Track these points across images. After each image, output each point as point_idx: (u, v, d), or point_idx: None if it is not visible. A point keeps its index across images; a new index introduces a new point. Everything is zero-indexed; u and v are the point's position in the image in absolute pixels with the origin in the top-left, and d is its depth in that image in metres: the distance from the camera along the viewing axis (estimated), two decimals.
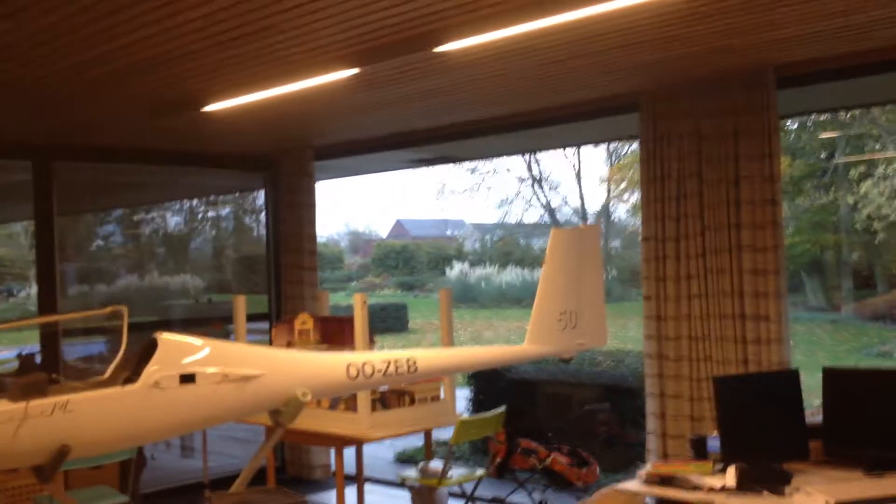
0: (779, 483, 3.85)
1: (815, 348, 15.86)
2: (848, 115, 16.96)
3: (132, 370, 3.79)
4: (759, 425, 4.30)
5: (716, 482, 3.96)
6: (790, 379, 4.48)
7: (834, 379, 4.38)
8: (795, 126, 18.12)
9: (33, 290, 7.27)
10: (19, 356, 7.12)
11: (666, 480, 4.08)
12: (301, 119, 6.54)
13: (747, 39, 4.57)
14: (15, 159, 7.10)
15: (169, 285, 9.04)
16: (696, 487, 3.95)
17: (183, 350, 3.89)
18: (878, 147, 17.89)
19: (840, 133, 18.07)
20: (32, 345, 7.11)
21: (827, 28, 4.39)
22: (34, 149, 7.00)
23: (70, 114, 5.97)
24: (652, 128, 5.64)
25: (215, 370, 3.87)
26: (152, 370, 3.72)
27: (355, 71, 4.74)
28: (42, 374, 3.72)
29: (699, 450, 4.40)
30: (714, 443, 4.35)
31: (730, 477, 3.95)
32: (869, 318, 18.20)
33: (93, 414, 3.59)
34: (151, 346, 3.81)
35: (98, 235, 9.17)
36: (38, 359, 6.96)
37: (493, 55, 4.64)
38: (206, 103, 5.47)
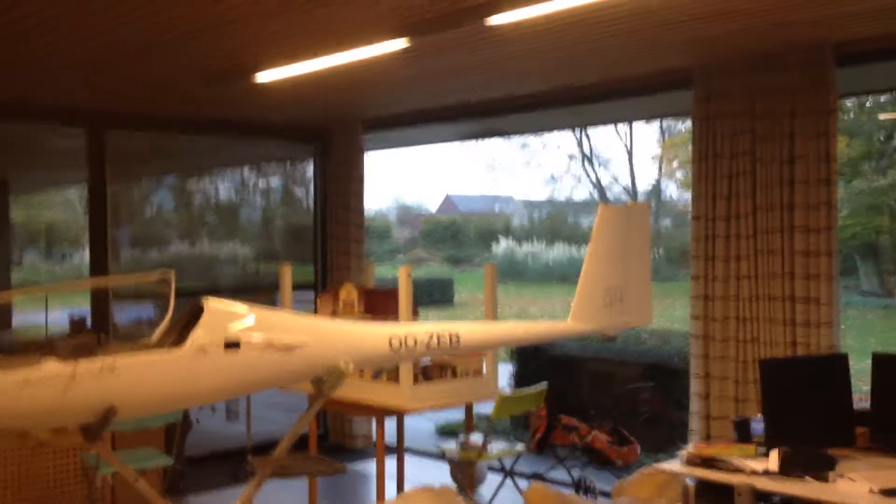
0: (822, 468, 3.79)
1: (867, 333, 15.58)
2: None
3: (178, 334, 3.83)
4: (804, 409, 4.24)
5: (758, 465, 3.91)
6: (839, 363, 4.40)
7: (883, 365, 4.30)
8: (854, 105, 17.71)
9: (87, 254, 7.40)
10: (71, 318, 7.27)
11: (708, 462, 4.04)
12: (351, 91, 6.54)
13: (806, 15, 4.45)
14: (70, 125, 7.21)
15: (218, 253, 9.15)
16: (738, 470, 3.91)
17: (229, 316, 3.92)
18: None
19: None
20: (83, 308, 7.25)
21: (889, 4, 4.26)
22: (89, 116, 7.10)
23: (124, 82, 6.04)
24: (705, 104, 5.55)
25: (260, 337, 3.90)
26: (198, 335, 3.76)
27: (405, 44, 4.71)
28: (91, 335, 3.79)
29: (743, 432, 4.35)
30: (758, 425, 4.30)
31: (773, 461, 3.90)
32: None
33: (139, 376, 3.64)
34: (198, 311, 3.85)
35: (150, 202, 9.30)
36: (89, 321, 7.10)
37: (545, 28, 4.59)
38: (257, 73, 5.49)
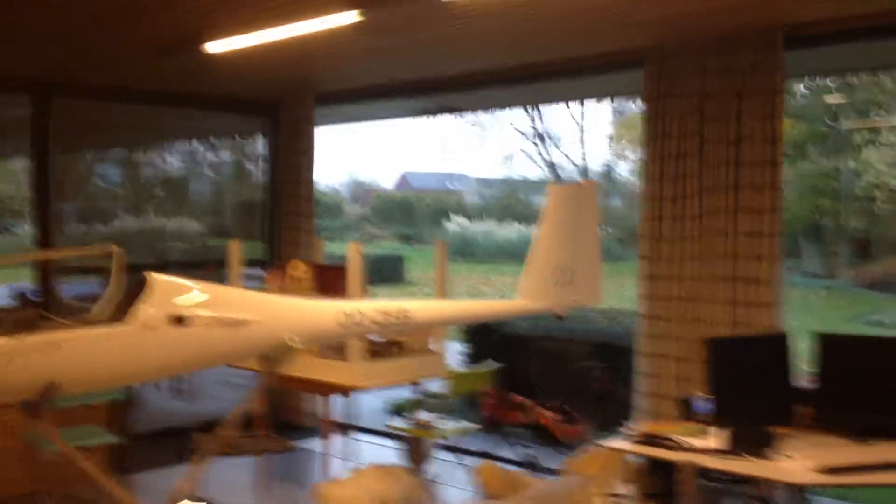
0: (764, 446, 3.85)
1: (809, 314, 15.88)
2: (855, 79, 16.82)
3: (122, 310, 3.78)
4: (748, 388, 4.31)
5: (702, 443, 3.97)
6: (781, 343, 4.48)
7: (826, 345, 4.38)
8: (803, 89, 17.96)
9: (31, 227, 7.25)
10: (14, 292, 7.11)
11: (652, 440, 4.09)
12: (303, 64, 6.47)
13: None
14: (13, 93, 7.03)
15: (167, 227, 9.02)
16: (681, 448, 3.96)
17: (173, 291, 3.88)
18: (883, 114, 17.77)
19: (846, 98, 17.93)
20: (27, 282, 7.10)
21: None
22: (33, 84, 6.93)
23: (70, 50, 5.90)
24: (656, 84, 5.57)
25: (206, 313, 3.86)
26: (142, 310, 3.71)
27: (357, 17, 4.66)
28: (33, 310, 3.72)
29: (687, 410, 4.41)
30: (702, 404, 4.36)
31: (716, 438, 3.97)
32: (865, 286, 18.21)
33: (82, 352, 3.59)
34: (141, 287, 3.79)
35: (97, 175, 9.13)
36: (32, 296, 6.96)
37: (499, 3, 4.56)
38: (206, 44, 5.40)
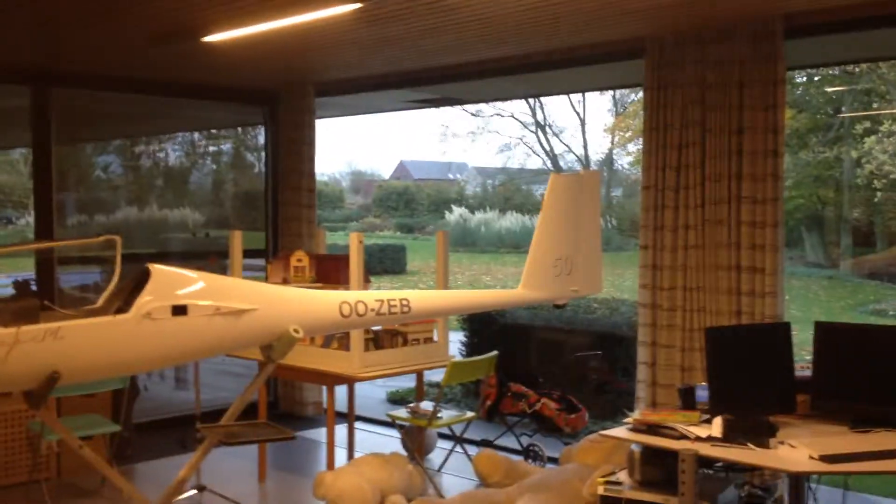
0: (764, 435, 3.86)
1: (811, 304, 15.90)
2: (856, 69, 16.81)
3: (124, 300, 3.79)
4: (748, 377, 4.31)
5: (702, 432, 3.98)
6: (781, 332, 4.48)
7: (825, 334, 4.38)
8: (804, 79, 17.95)
9: (32, 218, 7.26)
10: (14, 283, 7.11)
11: (653, 428, 4.10)
12: (303, 54, 6.47)
13: None
14: (13, 84, 7.03)
15: (168, 218, 9.02)
16: (681, 436, 3.97)
17: (176, 282, 3.89)
18: (880, 104, 17.77)
19: (847, 87, 17.92)
20: (28, 272, 7.11)
21: None
22: (33, 74, 6.93)
23: (70, 40, 5.89)
24: (657, 74, 5.58)
25: (208, 303, 3.87)
26: (144, 300, 3.71)
27: (357, 6, 4.66)
28: (34, 300, 3.72)
29: (687, 399, 4.42)
30: (703, 393, 4.37)
31: (716, 427, 3.98)
32: (866, 276, 18.21)
33: (83, 342, 3.60)
34: (144, 277, 3.80)
35: (98, 166, 9.12)
36: (33, 286, 6.97)
37: None
38: (206, 34, 5.40)
